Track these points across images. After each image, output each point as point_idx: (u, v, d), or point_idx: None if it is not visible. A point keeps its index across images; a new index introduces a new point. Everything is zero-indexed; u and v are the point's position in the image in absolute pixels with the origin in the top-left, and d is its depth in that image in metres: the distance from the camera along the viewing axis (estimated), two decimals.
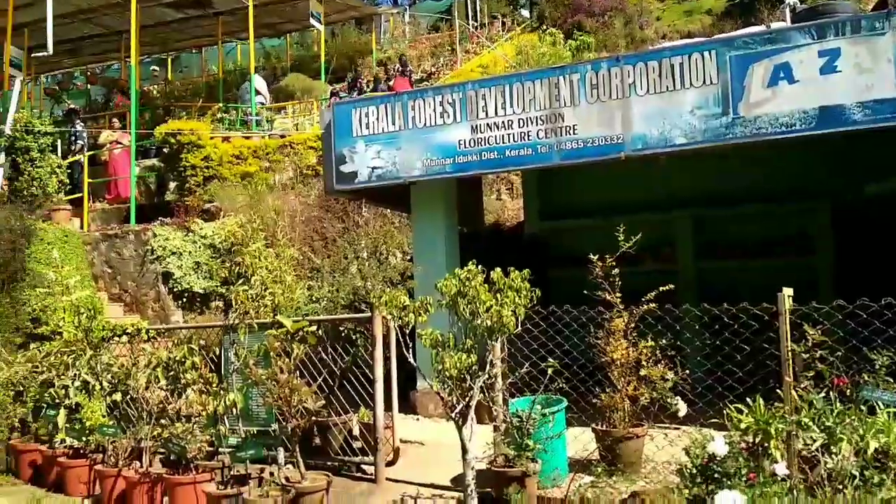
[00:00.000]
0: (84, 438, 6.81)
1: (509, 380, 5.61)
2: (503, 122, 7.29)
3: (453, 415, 4.86)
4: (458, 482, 5.86)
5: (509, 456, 5.16)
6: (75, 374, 7.27)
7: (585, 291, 5.78)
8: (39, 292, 9.17)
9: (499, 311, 4.69)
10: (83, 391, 7.15)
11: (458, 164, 7.48)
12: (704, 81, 6.48)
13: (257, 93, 14.73)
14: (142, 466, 6.32)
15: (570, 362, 5.61)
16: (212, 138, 12.00)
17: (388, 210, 10.40)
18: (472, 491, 4.74)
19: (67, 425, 7.01)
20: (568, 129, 7.01)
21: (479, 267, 4.89)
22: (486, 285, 4.83)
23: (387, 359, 6.44)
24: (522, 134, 7.18)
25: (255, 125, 13.97)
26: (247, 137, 12.82)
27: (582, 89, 6.94)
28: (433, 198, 8.14)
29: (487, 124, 7.35)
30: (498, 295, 4.81)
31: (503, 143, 7.28)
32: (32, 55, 15.42)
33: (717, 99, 6.41)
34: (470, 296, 4.74)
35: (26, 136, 10.36)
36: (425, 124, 7.63)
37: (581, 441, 5.76)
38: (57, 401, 7.23)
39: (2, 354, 8.40)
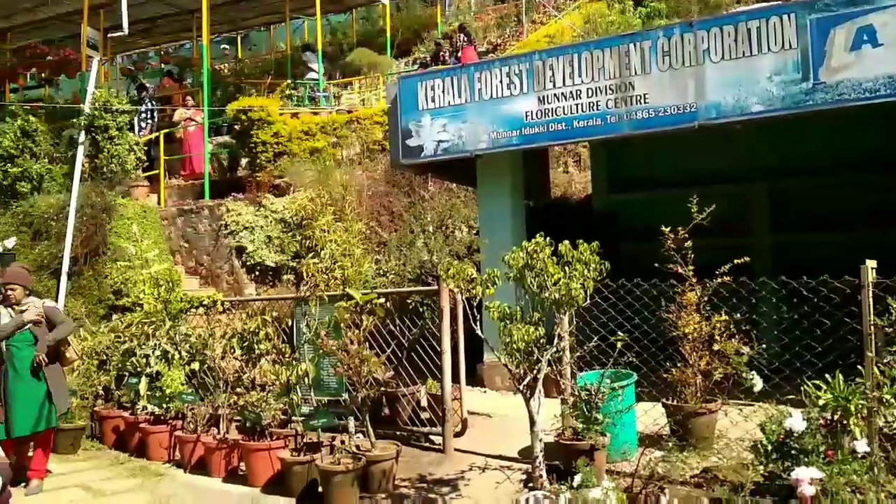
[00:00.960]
0: (164, 405, 7.09)
1: (577, 353, 5.57)
2: (571, 92, 7.17)
3: (521, 387, 4.85)
4: (525, 454, 5.89)
5: (577, 429, 5.14)
6: (155, 344, 7.56)
7: (656, 265, 5.66)
8: (120, 266, 9.53)
9: (567, 285, 4.65)
10: (163, 360, 7.43)
11: (524, 136, 7.40)
12: (783, 46, 6.21)
13: (310, 69, 14.89)
14: (219, 433, 6.55)
15: (640, 336, 5.53)
16: (281, 115, 12.18)
17: (454, 184, 10.40)
18: (540, 463, 4.75)
19: (148, 393, 7.31)
20: (638, 98, 6.84)
21: (547, 240, 4.84)
22: (553, 258, 4.79)
23: (454, 331, 6.47)
24: (591, 104, 7.04)
25: (322, 101, 14.13)
26: (315, 113, 12.97)
27: (653, 57, 6.75)
28: (499, 171, 8.09)
29: (555, 95, 7.24)
30: (566, 268, 4.77)
31: (571, 113, 7.16)
32: (109, 36, 15.93)
33: (797, 64, 6.14)
34: (538, 269, 4.71)
35: (105, 115, 10.72)
36: (491, 96, 7.57)
37: (651, 416, 5.69)
38: (138, 369, 7.54)
39: (86, 325, 8.81)
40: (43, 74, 18.79)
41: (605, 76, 6.99)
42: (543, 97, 7.29)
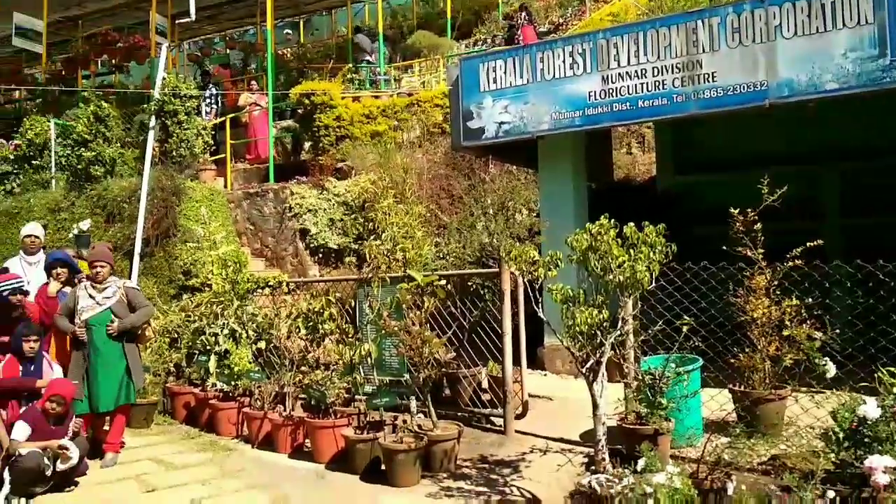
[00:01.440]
0: (233, 383, 7.30)
1: (641, 337, 5.51)
2: (636, 71, 7.03)
3: (583, 370, 4.83)
4: (586, 437, 5.87)
5: (641, 414, 5.09)
6: (224, 323, 7.78)
7: (724, 247, 5.54)
8: (189, 247, 9.80)
9: (632, 267, 4.59)
10: (231, 339, 7.65)
11: (587, 117, 7.31)
12: (859, 21, 5.96)
13: (363, 50, 14.95)
14: (285, 410, 6.72)
15: (707, 321, 5.43)
16: (343, 98, 12.30)
17: (514, 166, 10.35)
18: (603, 446, 4.72)
19: (217, 370, 7.53)
20: (706, 76, 6.68)
21: (612, 221, 4.78)
22: (618, 240, 4.73)
23: (515, 314, 6.47)
24: (657, 83, 6.90)
25: (382, 84, 14.20)
26: (376, 97, 13.06)
27: (722, 33, 6.56)
28: (561, 152, 8.01)
29: (619, 74, 7.12)
30: (631, 250, 4.71)
31: (636, 93, 7.03)
32: (176, 22, 16.32)
33: (873, 40, 5.90)
34: (602, 251, 4.66)
35: (174, 100, 10.99)
36: (554, 76, 7.49)
37: (717, 401, 5.60)
38: (208, 347, 7.77)
39: (158, 304, 9.10)
40: (113, 61, 19.34)
41: (672, 54, 6.84)
42: (607, 77, 7.18)
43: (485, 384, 6.91)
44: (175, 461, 6.42)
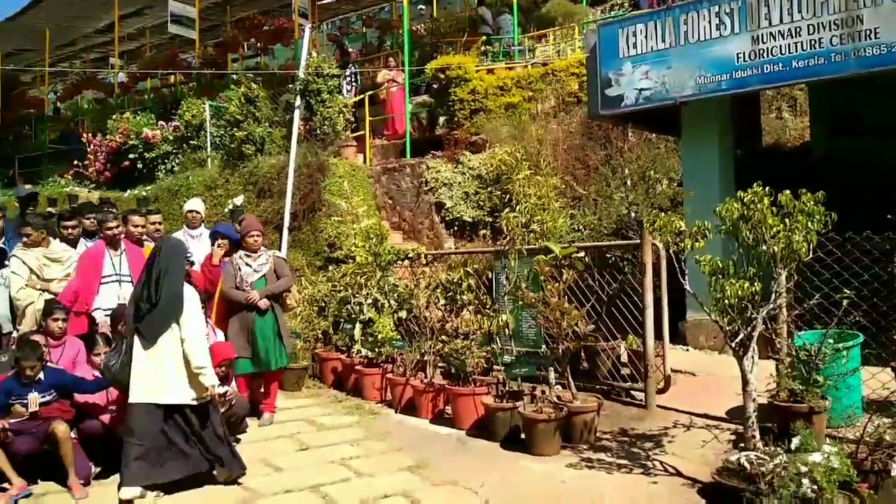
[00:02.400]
0: (376, 350, 7.59)
1: (795, 311, 5.23)
2: (789, 29, 6.60)
3: (733, 344, 4.65)
4: (733, 414, 5.68)
5: (795, 391, 4.85)
6: (367, 293, 8.09)
7: (889, 216, 5.14)
8: (334, 220, 10.24)
9: (787, 237, 4.36)
10: (374, 308, 7.94)
11: (735, 80, 6.95)
12: None
13: (485, 22, 14.80)
14: (426, 377, 6.92)
15: (869, 294, 5.08)
16: (477, 71, 12.32)
17: (655, 134, 10.02)
18: (753, 423, 4.55)
19: (362, 338, 7.85)
20: (868, 33, 6.16)
21: (767, 189, 4.55)
22: (772, 209, 4.50)
23: (656, 286, 6.31)
24: (812, 42, 6.45)
25: (516, 55, 14.10)
26: (510, 68, 12.99)
27: None
28: (706, 118, 7.67)
29: (771, 34, 6.70)
30: (786, 219, 4.46)
31: (789, 53, 6.60)
32: (317, 4, 16.89)
33: None
34: (755, 220, 4.45)
35: (317, 80, 11.44)
36: (699, 39, 7.17)
37: (879, 380, 5.24)
38: (352, 316, 8.12)
39: (306, 275, 9.59)
40: (259, 44, 20.34)
41: (829, 10, 6.36)
42: (757, 37, 6.78)
43: (624, 358, 6.80)
44: (325, 422, 6.79)
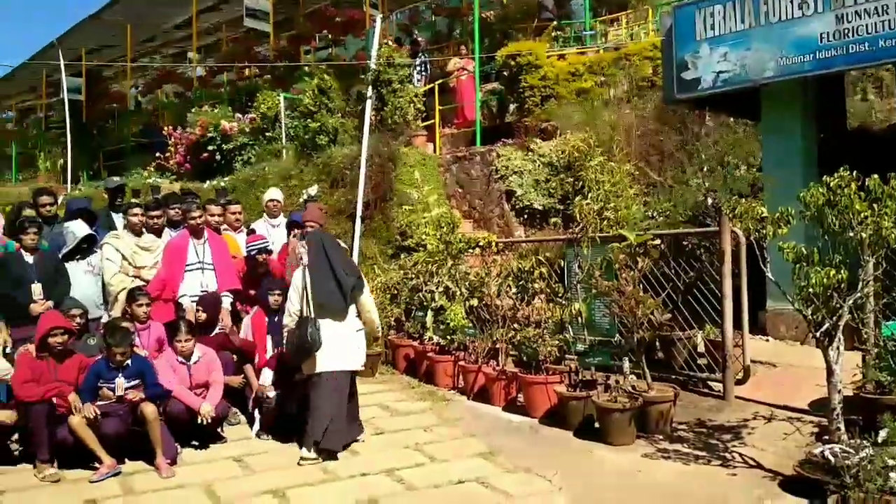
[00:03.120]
0: (448, 337, 7.65)
1: (883, 300, 5.03)
2: (877, 7, 6.32)
3: (818, 334, 4.51)
4: (815, 406, 5.52)
5: (882, 382, 4.67)
6: (438, 281, 8.15)
7: None
8: (405, 209, 10.32)
9: (876, 223, 4.19)
10: (445, 296, 8.00)
11: (818, 61, 6.70)
12: None
13: (544, 7, 14.58)
14: (498, 365, 6.95)
15: None
16: (548, 57, 12.19)
17: (733, 118, 9.74)
18: (838, 415, 4.40)
19: (433, 325, 7.93)
20: None
21: (854, 173, 4.38)
22: (860, 194, 4.33)
23: (735, 275, 6.16)
24: None
25: (588, 40, 13.89)
26: (581, 53, 12.81)
27: None
28: (787, 101, 7.42)
29: (856, 12, 6.43)
30: (874, 205, 4.29)
31: (875, 32, 6.33)
32: None
33: None
34: (841, 205, 4.29)
35: (388, 70, 11.53)
36: (780, 18, 6.93)
37: None
38: (424, 304, 8.20)
39: (379, 263, 9.73)
40: (330, 35, 20.60)
41: None
42: (842, 15, 6.51)
43: (701, 348, 6.66)
44: (399, 408, 6.89)
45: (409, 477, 5.00)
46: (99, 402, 5.32)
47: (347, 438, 5.67)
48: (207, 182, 13.89)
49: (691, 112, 10.02)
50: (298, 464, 5.33)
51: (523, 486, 4.78)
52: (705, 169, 8.75)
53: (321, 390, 5.52)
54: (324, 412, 5.45)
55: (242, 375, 6.47)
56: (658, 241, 6.04)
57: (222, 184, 13.19)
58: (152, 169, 16.45)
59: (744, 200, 5.52)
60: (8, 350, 5.74)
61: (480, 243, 8.89)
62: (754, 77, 7.12)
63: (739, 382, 6.19)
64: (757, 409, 5.82)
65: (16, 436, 5.43)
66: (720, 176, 8.13)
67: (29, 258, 6.15)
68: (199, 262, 6.74)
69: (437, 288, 8.09)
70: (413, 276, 8.65)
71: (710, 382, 6.38)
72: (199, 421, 5.62)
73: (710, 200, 8.32)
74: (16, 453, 5.43)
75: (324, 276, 5.64)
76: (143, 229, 6.86)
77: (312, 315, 5.54)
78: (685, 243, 7.22)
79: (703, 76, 7.50)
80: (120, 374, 5.43)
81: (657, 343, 6.74)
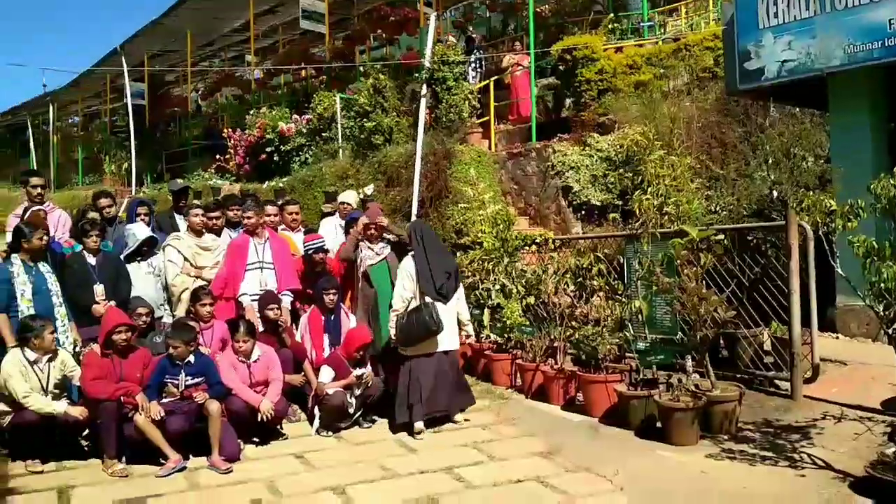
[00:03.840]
0: (505, 335, 7.60)
1: None
2: None
3: (890, 331, 4.32)
4: (888, 405, 5.33)
5: None
6: (495, 279, 8.10)
7: None
8: (460, 207, 10.31)
9: None
10: (502, 294, 7.94)
11: (889, 49, 6.45)
12: None
13: (595, 1, 14.36)
14: (556, 363, 6.87)
15: None
16: (604, 50, 12.02)
17: (798, 109, 9.43)
18: None
19: (490, 323, 7.90)
20: None
21: None
22: None
23: (803, 270, 5.96)
24: None
25: (646, 32, 13.64)
26: (639, 45, 12.58)
27: None
28: (856, 90, 7.15)
29: None
30: None
31: None
32: None
33: None
34: None
35: (443, 67, 11.54)
36: (846, 5, 6.69)
37: None
38: (481, 301, 8.16)
39: None
40: (385, 35, 20.74)
41: None
42: None
43: (767, 346, 6.48)
44: None
45: (469, 475, 4.98)
46: (164, 400, 5.46)
47: (462, 405, 6.38)
48: (266, 183, 14.14)
49: (755, 103, 9.75)
50: (414, 437, 5.93)
51: (584, 486, 4.71)
52: (770, 161, 8.48)
53: (431, 367, 6.13)
54: (431, 386, 6.06)
55: (302, 373, 6.56)
56: (721, 237, 5.88)
57: (280, 184, 13.41)
58: (213, 171, 16.84)
59: (811, 193, 5.31)
60: (78, 348, 5.93)
61: (537, 240, 8.83)
62: (820, 66, 6.88)
63: (808, 381, 5.98)
64: (826, 409, 5.61)
65: (86, 431, 5.61)
66: (786, 168, 7.87)
67: (91, 260, 6.33)
68: (259, 262, 6.85)
69: (493, 286, 8.04)
70: (469, 273, 8.60)
71: (776, 381, 6.18)
72: (260, 418, 5.71)
73: (775, 193, 8.07)
74: (86, 448, 5.61)
75: (440, 263, 6.30)
76: (204, 230, 7.00)
77: (427, 300, 6.12)
78: (750, 238, 7.02)
79: (766, 66, 7.29)
80: (183, 371, 5.56)
81: (721, 341, 6.57)
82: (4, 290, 5.66)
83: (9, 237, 6.75)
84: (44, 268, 5.95)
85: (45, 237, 6.04)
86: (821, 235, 4.73)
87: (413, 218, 10.56)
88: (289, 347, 6.56)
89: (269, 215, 7.29)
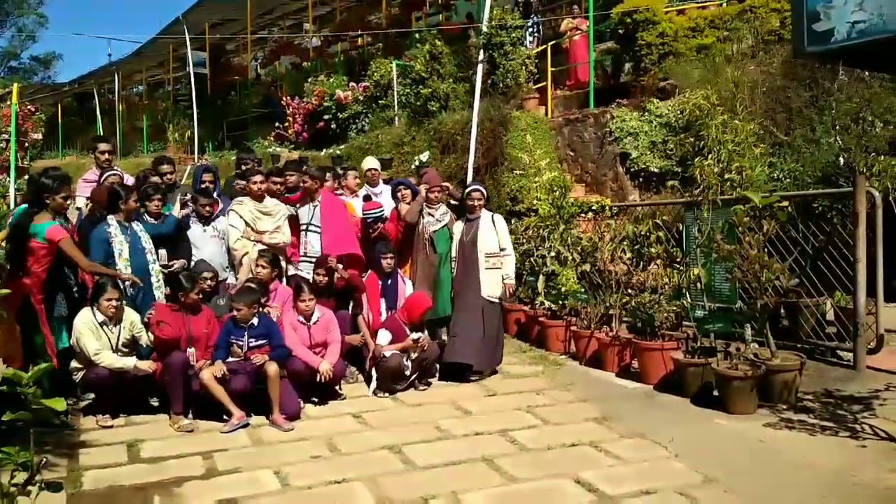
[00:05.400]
0: (560, 302, 7.60)
1: None
2: None
3: None
4: None
5: None
6: (550, 246, 8.09)
7: None
8: (516, 174, 10.26)
9: None
10: (557, 261, 7.93)
11: None
12: None
13: None
14: (611, 330, 6.85)
15: None
16: (666, 13, 11.69)
17: (867, 73, 9.03)
18: None
19: (545, 290, 7.90)
20: None
21: None
22: None
23: (870, 239, 5.79)
24: None
25: None
26: (702, 7, 12.20)
27: None
28: None
29: None
30: None
31: None
32: None
33: None
34: None
35: (500, 32, 11.40)
36: None
37: None
38: (535, 269, 8.17)
39: None
40: (441, 0, 20.56)
41: None
42: None
43: (829, 316, 6.34)
44: (511, 371, 6.94)
45: (522, 438, 5.04)
46: (229, 359, 5.66)
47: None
48: (323, 150, 14.31)
49: (822, 66, 9.37)
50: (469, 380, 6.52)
51: (638, 452, 4.72)
52: (838, 126, 8.18)
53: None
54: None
55: (361, 334, 6.69)
56: (785, 203, 5.74)
57: (337, 152, 13.56)
58: (272, 139, 17.09)
59: (882, 158, 5.14)
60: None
61: (593, 207, 8.77)
62: (894, 27, 6.56)
63: (871, 352, 5.86)
64: (890, 380, 5.50)
65: (153, 389, 5.85)
66: (854, 133, 7.58)
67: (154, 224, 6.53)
68: (307, 224, 7.02)
69: (548, 253, 8.04)
70: (524, 240, 8.61)
71: (838, 352, 6.07)
72: (318, 378, 5.87)
73: (842, 160, 7.80)
74: (154, 405, 5.86)
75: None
76: (266, 195, 7.16)
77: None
78: (815, 205, 6.83)
79: (836, 27, 6.90)
80: (247, 333, 5.74)
81: (782, 310, 6.46)
82: (102, 249, 5.89)
83: (80, 201, 7.03)
84: (137, 227, 6.18)
85: (138, 199, 6.28)
86: (890, 202, 4.57)
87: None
88: (351, 282, 6.76)
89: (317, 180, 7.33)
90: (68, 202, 5.98)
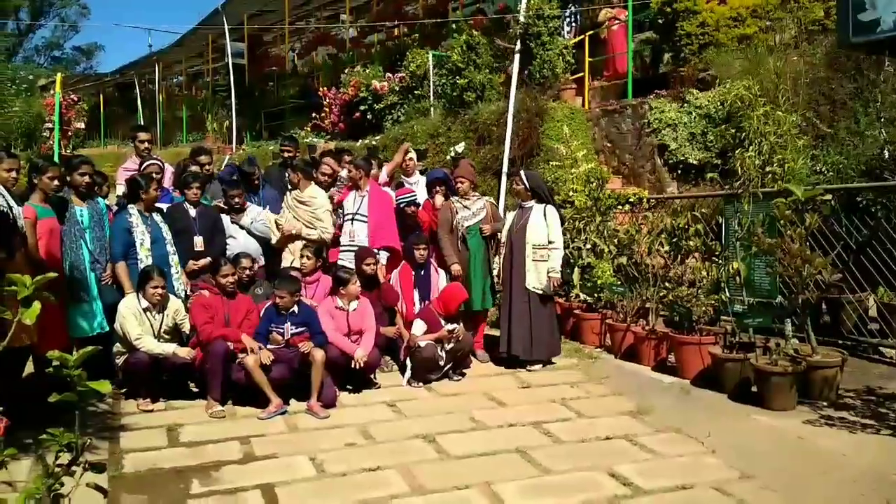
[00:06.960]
0: (595, 295, 7.55)
1: None
2: None
3: None
4: None
5: None
6: (586, 238, 8.03)
7: None
8: (552, 165, 10.18)
9: None
10: (593, 253, 7.88)
11: None
12: None
13: None
14: (647, 324, 6.79)
15: None
16: (707, 2, 11.49)
17: None
18: None
19: (580, 282, 7.85)
20: None
21: None
22: None
23: None
24: None
25: None
26: None
27: None
28: None
29: None
30: None
31: None
32: None
33: None
34: None
35: (537, 22, 11.31)
36: None
37: None
38: (571, 261, 8.11)
39: None
40: None
41: None
42: None
43: (872, 312, 6.21)
44: None
45: (556, 430, 5.04)
46: (270, 346, 5.74)
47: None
48: (360, 141, 14.36)
49: (868, 57, 9.15)
50: (528, 369, 6.65)
51: (673, 446, 4.70)
52: (883, 118, 7.98)
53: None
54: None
55: (396, 326, 6.73)
56: (828, 197, 5.62)
57: (373, 142, 13.60)
58: (309, 129, 17.20)
59: None
60: (187, 292, 6.26)
61: (630, 199, 8.68)
62: None
63: None
64: None
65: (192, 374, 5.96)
66: None
67: (192, 211, 6.63)
68: (353, 213, 7.05)
69: (584, 245, 7.98)
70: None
71: (881, 349, 5.95)
72: (353, 365, 5.92)
73: (887, 153, 7.62)
74: (194, 390, 5.96)
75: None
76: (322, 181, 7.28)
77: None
78: (858, 199, 6.68)
79: (882, 17, 6.73)
80: (288, 321, 5.81)
81: (823, 305, 6.34)
82: (123, 239, 5.96)
83: (120, 189, 7.15)
84: (157, 217, 6.27)
85: (159, 189, 6.38)
86: None
87: (504, 176, 10.54)
88: (381, 290, 6.75)
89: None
90: (55, 182, 5.65)
